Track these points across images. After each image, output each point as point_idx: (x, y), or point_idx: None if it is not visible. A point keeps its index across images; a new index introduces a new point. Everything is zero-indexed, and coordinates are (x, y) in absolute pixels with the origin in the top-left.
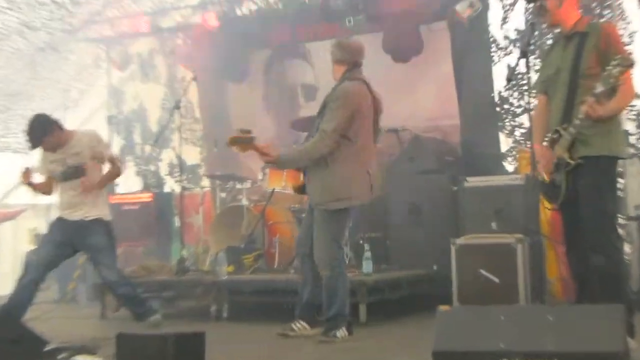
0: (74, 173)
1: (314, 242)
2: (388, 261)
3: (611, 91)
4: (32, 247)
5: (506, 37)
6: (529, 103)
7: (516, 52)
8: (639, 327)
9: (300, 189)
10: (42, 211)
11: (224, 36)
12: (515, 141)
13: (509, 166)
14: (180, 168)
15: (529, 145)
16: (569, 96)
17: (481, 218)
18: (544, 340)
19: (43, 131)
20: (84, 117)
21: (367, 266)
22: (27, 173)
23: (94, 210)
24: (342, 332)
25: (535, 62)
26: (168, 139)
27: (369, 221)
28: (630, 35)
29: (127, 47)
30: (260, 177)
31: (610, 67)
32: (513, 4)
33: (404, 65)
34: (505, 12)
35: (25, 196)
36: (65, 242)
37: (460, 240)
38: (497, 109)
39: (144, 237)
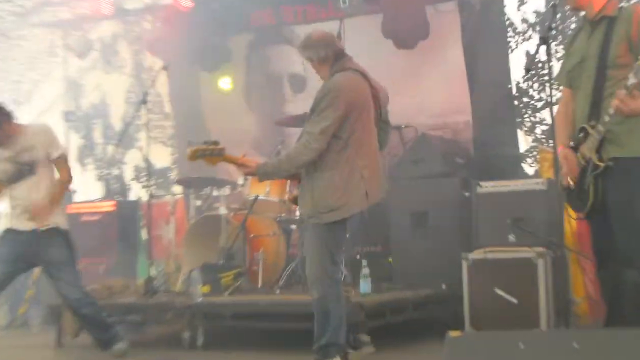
0: (29, 172)
1: (305, 258)
2: (390, 280)
3: None
4: None
5: (524, 20)
6: (551, 95)
7: (536, 38)
8: None
9: (296, 200)
10: None
11: (198, 18)
12: (536, 140)
13: (529, 169)
14: (148, 172)
15: (551, 145)
16: (596, 89)
17: (497, 229)
18: None
19: None
20: (37, 112)
21: (365, 285)
22: None
23: (50, 218)
24: None
25: (557, 48)
26: (134, 137)
27: (367, 233)
28: None
29: (86, 32)
30: (240, 182)
31: None
32: None
33: (407, 52)
34: None
35: None
36: (17, 257)
37: (473, 255)
38: (515, 102)
39: (105, 252)
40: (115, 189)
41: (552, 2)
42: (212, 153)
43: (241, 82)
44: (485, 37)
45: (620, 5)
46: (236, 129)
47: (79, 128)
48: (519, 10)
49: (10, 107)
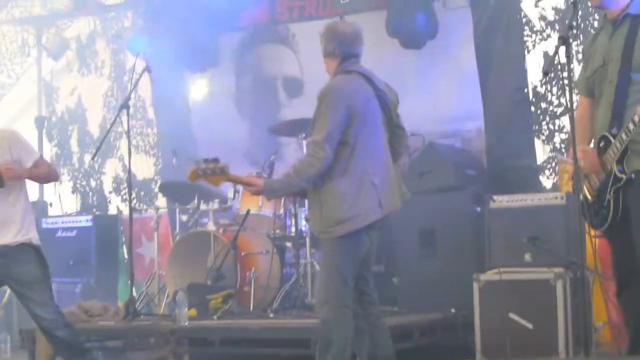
0: None
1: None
2: (395, 303)
3: None
4: None
5: (543, 18)
6: (571, 101)
7: (555, 37)
8: None
9: None
10: None
11: (184, 15)
12: (555, 149)
13: (547, 181)
14: (129, 184)
15: (571, 156)
16: (618, 95)
17: (511, 247)
18: None
19: None
20: (7, 118)
21: None
22: None
23: (22, 232)
24: None
25: (578, 49)
26: (113, 146)
27: None
28: None
29: (62, 30)
30: (231, 195)
31: None
32: None
33: (414, 53)
34: None
35: None
36: None
37: (485, 276)
38: (532, 108)
39: (82, 271)
40: (92, 202)
41: None
42: (213, 172)
43: (231, 86)
44: (499, 37)
45: None
46: (226, 136)
47: (53, 135)
48: (536, 6)
49: None
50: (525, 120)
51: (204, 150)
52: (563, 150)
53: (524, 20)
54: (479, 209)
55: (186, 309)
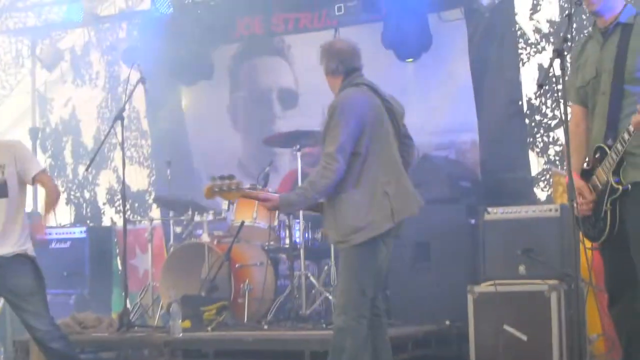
0: (2, 192)
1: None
2: (389, 315)
3: None
4: None
5: (537, 31)
6: (565, 113)
7: (550, 50)
8: None
9: None
10: None
11: (179, 27)
12: (549, 161)
13: (541, 193)
14: (123, 195)
15: (566, 168)
16: (612, 107)
17: (506, 259)
18: None
19: None
20: (1, 129)
21: None
22: None
23: (18, 243)
24: None
25: None
26: (107, 157)
27: None
28: None
29: (56, 41)
30: (225, 206)
31: None
32: None
33: (408, 65)
34: None
35: None
36: None
37: (480, 288)
38: (527, 120)
39: (76, 282)
40: (86, 213)
41: (568, 11)
42: (229, 188)
43: (226, 97)
44: (494, 49)
45: (636, 13)
46: (220, 148)
47: (47, 146)
48: (531, 19)
49: None
50: (519, 133)
51: (199, 162)
52: (557, 162)
53: (518, 32)
54: (473, 220)
55: (180, 320)
